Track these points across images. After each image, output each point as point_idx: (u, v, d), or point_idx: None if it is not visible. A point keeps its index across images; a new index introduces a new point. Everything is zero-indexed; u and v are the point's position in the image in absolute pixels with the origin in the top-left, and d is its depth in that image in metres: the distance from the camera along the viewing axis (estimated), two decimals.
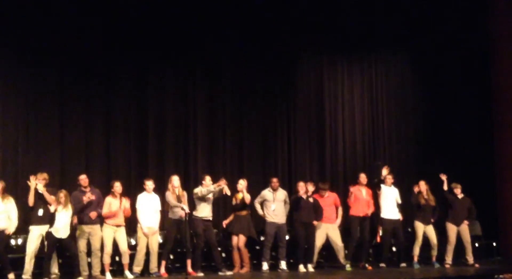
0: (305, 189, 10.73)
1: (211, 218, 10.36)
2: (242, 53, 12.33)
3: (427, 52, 12.98)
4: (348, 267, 10.67)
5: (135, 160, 11.71)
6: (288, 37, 12.50)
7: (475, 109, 12.75)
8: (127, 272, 9.77)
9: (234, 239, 10.41)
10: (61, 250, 9.66)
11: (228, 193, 10.32)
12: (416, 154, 12.80)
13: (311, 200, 10.67)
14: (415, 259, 10.95)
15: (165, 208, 10.18)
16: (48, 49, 11.22)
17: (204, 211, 10.24)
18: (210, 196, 10.27)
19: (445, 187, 11.10)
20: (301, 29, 12.54)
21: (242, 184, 10.54)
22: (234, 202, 10.55)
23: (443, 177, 11.09)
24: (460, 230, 11.12)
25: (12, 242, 10.02)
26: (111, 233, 9.83)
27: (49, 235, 9.33)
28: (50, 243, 9.35)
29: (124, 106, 11.78)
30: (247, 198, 10.46)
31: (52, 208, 9.37)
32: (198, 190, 10.24)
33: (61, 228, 9.31)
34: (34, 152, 11.13)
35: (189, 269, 10.03)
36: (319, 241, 10.70)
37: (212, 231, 10.42)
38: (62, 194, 9.39)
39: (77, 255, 9.55)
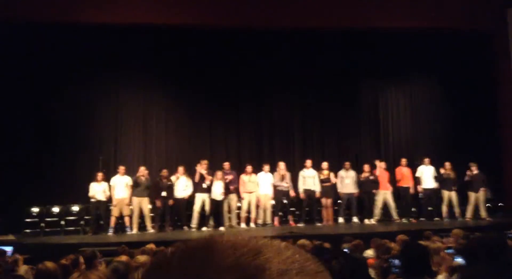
0: (369, 169, 11.01)
1: (312, 188, 10.80)
2: (323, 83, 12.52)
3: (449, 77, 12.70)
4: (403, 220, 10.89)
5: (256, 151, 12.22)
6: (352, 69, 12.57)
7: (483, 114, 12.43)
8: (252, 224, 10.49)
9: (324, 201, 10.88)
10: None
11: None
12: (443, 145, 12.56)
13: (371, 177, 10.96)
14: (444, 215, 11.03)
15: (274, 182, 10.66)
16: (201, 75, 11.96)
17: (307, 184, 10.81)
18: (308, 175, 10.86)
19: (467, 177, 11.10)
20: (362, 63, 12.55)
21: (325, 165, 11.02)
22: (321, 177, 10.91)
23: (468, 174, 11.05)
24: (477, 195, 11.02)
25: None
26: (247, 198, 10.49)
27: (211, 200, 10.18)
28: (211, 204, 10.23)
29: (249, 114, 12.35)
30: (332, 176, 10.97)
31: (207, 183, 10.17)
32: (302, 172, 10.89)
33: (217, 194, 10.21)
34: (190, 144, 11.93)
35: (291, 222, 10.64)
36: (379, 203, 10.96)
37: (314, 198, 10.81)
38: (219, 173, 10.23)
39: (223, 212, 10.36)
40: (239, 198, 10.63)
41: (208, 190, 10.26)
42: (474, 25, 12.17)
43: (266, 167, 10.83)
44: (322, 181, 10.92)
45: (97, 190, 10.06)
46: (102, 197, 10.07)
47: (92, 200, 10.07)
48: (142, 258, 4.32)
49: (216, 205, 10.31)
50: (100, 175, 10.11)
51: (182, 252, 0.62)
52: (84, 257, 5.11)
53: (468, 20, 11.99)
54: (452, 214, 11.12)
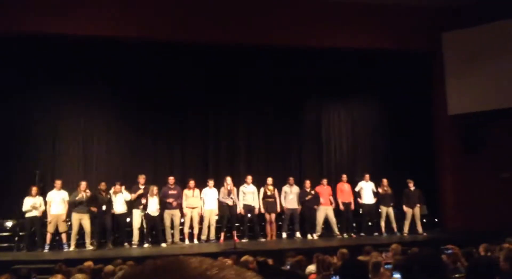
0: (309, 185, 11.17)
1: (252, 204, 10.81)
2: (267, 100, 12.57)
3: (389, 96, 13.08)
4: (345, 235, 11.06)
5: (201, 166, 12.04)
6: (296, 87, 12.70)
7: (419, 132, 12.88)
8: (195, 240, 10.35)
9: (267, 216, 10.89)
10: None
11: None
12: (381, 162, 12.86)
13: (312, 192, 11.13)
14: (383, 230, 11.31)
15: (220, 198, 10.60)
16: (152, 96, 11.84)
17: (247, 200, 10.84)
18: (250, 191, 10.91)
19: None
20: (305, 81, 12.73)
21: (270, 181, 11.08)
22: (268, 192, 10.93)
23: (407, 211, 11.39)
24: (413, 211, 11.32)
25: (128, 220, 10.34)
26: (189, 213, 10.38)
27: (147, 215, 10.00)
28: (147, 220, 10.05)
29: (193, 129, 12.13)
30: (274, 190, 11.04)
31: (143, 201, 10.00)
32: (243, 188, 10.94)
33: (153, 210, 10.01)
34: (135, 160, 11.63)
35: (235, 237, 10.24)
36: (321, 218, 11.10)
37: (254, 213, 10.83)
38: (155, 188, 10.14)
39: (162, 228, 10.15)
40: (182, 214, 10.47)
41: (144, 206, 10.08)
42: (412, 47, 12.71)
43: (211, 182, 10.76)
44: (267, 196, 10.95)
45: (31, 205, 9.65)
46: (36, 213, 9.67)
47: (27, 215, 9.65)
48: (79, 277, 4.18)
49: (153, 221, 10.12)
50: (34, 189, 9.71)
51: (154, 265, 0.69)
52: (18, 275, 4.88)
53: (407, 42, 12.50)
54: (390, 229, 11.40)
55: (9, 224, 10.24)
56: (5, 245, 9.94)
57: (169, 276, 0.67)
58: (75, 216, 9.75)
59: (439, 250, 5.42)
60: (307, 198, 11.11)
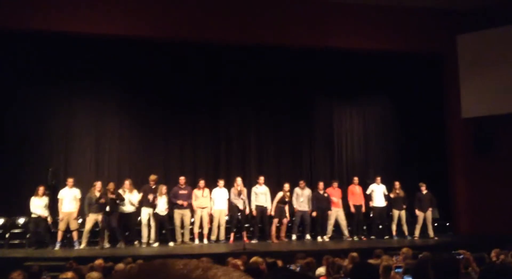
0: (322, 186, 11.14)
1: (264, 205, 10.79)
2: (278, 100, 12.47)
3: (400, 101, 13.01)
4: (355, 238, 11.04)
5: (212, 166, 11.99)
6: (308, 87, 12.70)
7: (431, 135, 12.82)
8: (205, 240, 10.31)
9: (276, 221, 10.77)
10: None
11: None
12: (393, 165, 12.77)
13: (325, 195, 11.09)
14: (394, 233, 11.22)
15: (231, 198, 10.55)
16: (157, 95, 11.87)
17: (259, 201, 10.82)
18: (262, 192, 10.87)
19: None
20: (317, 82, 12.70)
21: (287, 187, 10.95)
22: (286, 199, 10.84)
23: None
24: (425, 215, 11.21)
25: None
26: (199, 213, 10.36)
27: (155, 214, 10.03)
28: (156, 219, 10.08)
29: (205, 129, 12.09)
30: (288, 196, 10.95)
31: (151, 197, 9.99)
32: (255, 189, 10.89)
33: (162, 209, 10.05)
34: (146, 159, 11.62)
35: (245, 238, 10.22)
36: (332, 220, 11.09)
37: (266, 214, 10.78)
38: (164, 188, 10.14)
39: (171, 228, 10.13)
40: (192, 213, 10.47)
41: (153, 204, 10.12)
42: (425, 49, 12.66)
43: (221, 182, 10.74)
44: (283, 202, 10.90)
45: (37, 205, 9.61)
46: (43, 212, 9.61)
47: (33, 215, 9.63)
48: (94, 275, 4.20)
49: (160, 220, 10.15)
50: (41, 189, 9.66)
51: (139, 268, 0.71)
52: (30, 272, 4.91)
53: (420, 43, 12.46)
54: (401, 232, 11.33)
55: (21, 221, 10.29)
56: (17, 241, 10.00)
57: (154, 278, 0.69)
58: (91, 216, 9.75)
59: (455, 256, 5.35)
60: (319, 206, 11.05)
